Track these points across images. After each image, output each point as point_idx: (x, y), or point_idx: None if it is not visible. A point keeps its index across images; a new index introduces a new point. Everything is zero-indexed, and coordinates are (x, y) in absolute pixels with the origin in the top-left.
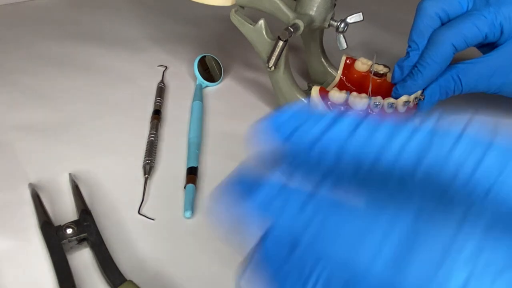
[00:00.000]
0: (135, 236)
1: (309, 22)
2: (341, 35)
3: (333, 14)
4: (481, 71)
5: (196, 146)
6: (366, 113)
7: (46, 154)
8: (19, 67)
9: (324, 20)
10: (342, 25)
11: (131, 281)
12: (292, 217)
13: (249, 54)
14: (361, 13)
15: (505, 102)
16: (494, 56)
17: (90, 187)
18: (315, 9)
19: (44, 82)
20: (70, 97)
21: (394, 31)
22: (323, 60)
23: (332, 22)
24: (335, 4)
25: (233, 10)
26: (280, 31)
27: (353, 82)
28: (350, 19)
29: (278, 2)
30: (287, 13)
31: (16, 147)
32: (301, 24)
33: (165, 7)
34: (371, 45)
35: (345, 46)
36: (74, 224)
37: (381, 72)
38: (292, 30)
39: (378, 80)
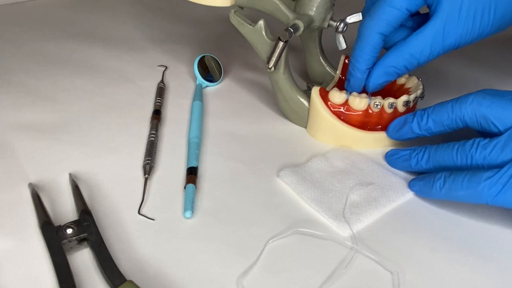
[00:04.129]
0: (135, 236)
1: (309, 23)
2: (341, 35)
3: (333, 14)
4: (433, 37)
5: (196, 146)
6: None
7: (46, 154)
8: (20, 67)
9: (324, 20)
10: (342, 25)
11: (131, 281)
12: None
13: (249, 54)
14: (360, 13)
15: None
16: (436, 19)
17: (90, 187)
18: (314, 9)
19: (44, 82)
20: (70, 97)
21: None
22: (322, 60)
23: (331, 22)
24: (333, 4)
25: (232, 10)
26: (280, 32)
27: None
28: (350, 19)
29: (278, 2)
30: (287, 14)
31: (16, 147)
32: (301, 24)
33: (165, 7)
34: None
35: (345, 46)
36: (74, 224)
37: None
38: (292, 30)
39: None
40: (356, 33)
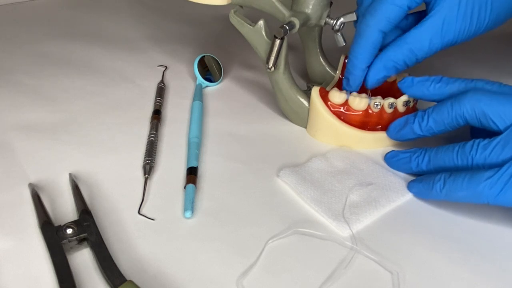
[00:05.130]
0: (135, 236)
1: (305, 20)
2: (338, 33)
3: (329, 11)
4: (432, 33)
5: (196, 146)
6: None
7: (46, 154)
8: (19, 67)
9: (320, 18)
10: (338, 23)
11: (131, 281)
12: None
13: (249, 54)
14: (354, 13)
15: None
16: (436, 15)
17: (90, 187)
18: (311, 7)
19: (44, 82)
20: (70, 97)
21: None
22: (322, 60)
23: (328, 20)
24: (331, 3)
25: (232, 11)
26: (276, 30)
27: None
28: (344, 19)
29: (274, 0)
30: (283, 11)
31: (16, 147)
32: (296, 21)
33: (165, 7)
34: None
35: (344, 43)
36: (74, 224)
37: None
38: (287, 28)
39: None
40: (354, 30)
